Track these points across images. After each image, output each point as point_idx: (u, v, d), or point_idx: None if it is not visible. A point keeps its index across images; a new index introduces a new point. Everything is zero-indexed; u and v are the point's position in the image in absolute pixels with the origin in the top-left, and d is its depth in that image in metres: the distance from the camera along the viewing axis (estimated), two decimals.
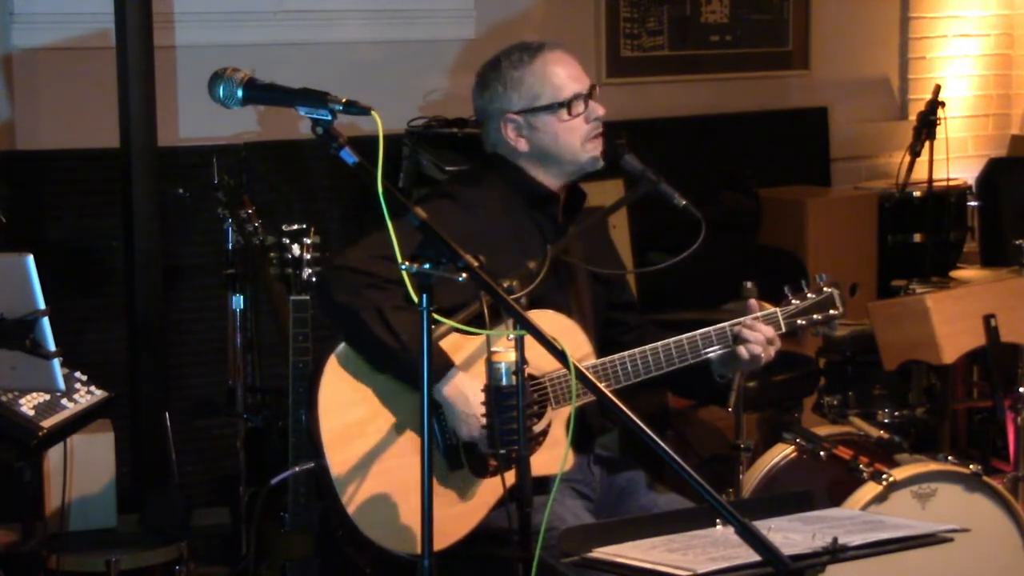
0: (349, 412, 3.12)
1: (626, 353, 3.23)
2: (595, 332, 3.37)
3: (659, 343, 3.25)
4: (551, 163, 3.34)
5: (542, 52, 3.34)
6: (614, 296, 3.51)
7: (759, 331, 3.26)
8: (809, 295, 3.35)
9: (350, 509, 3.08)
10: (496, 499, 3.14)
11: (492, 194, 3.33)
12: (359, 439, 3.11)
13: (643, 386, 3.27)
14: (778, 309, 3.32)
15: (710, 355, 3.27)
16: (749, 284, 3.36)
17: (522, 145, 3.33)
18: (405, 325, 3.08)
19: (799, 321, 3.34)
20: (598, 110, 3.34)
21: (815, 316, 3.35)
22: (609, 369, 3.21)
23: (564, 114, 3.30)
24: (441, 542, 2.89)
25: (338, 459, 3.09)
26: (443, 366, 3.09)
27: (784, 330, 3.32)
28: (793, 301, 3.35)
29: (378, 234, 3.14)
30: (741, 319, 3.28)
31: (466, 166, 4.59)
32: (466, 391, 3.07)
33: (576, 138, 3.32)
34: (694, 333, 3.26)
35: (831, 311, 3.36)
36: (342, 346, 3.16)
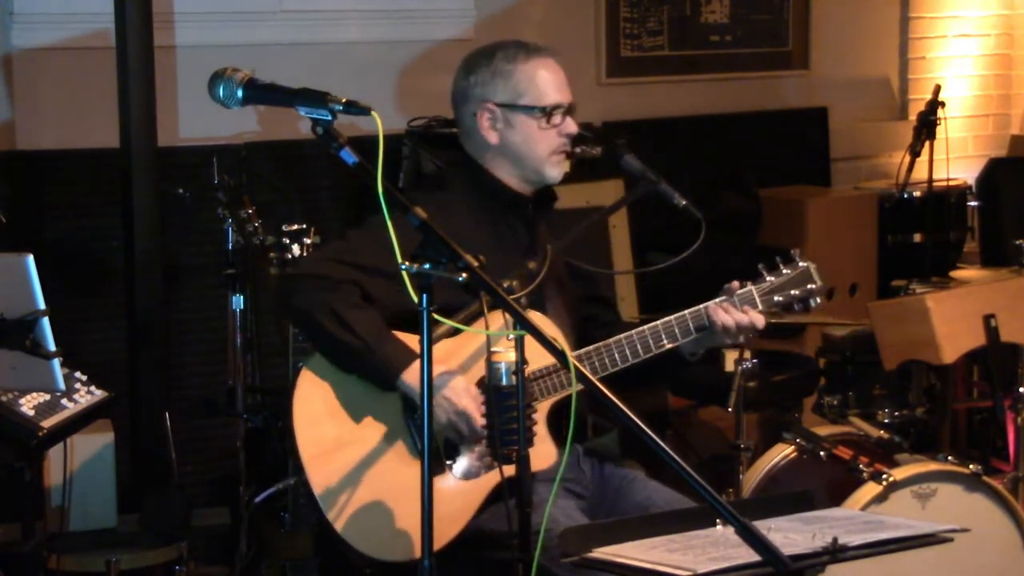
0: (327, 424, 3.12)
1: (602, 344, 3.23)
2: (572, 328, 3.36)
3: (634, 331, 3.24)
4: (515, 163, 3.34)
5: (539, 55, 3.34)
6: (588, 290, 3.50)
7: (732, 316, 3.23)
8: (784, 271, 3.33)
9: (337, 525, 3.08)
10: (483, 500, 3.15)
11: (460, 198, 3.33)
12: (339, 452, 3.10)
13: (628, 386, 3.25)
14: (753, 287, 3.31)
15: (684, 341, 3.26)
16: (736, 284, 3.35)
17: (493, 138, 3.33)
18: (361, 322, 3.10)
19: (776, 298, 3.31)
20: (571, 127, 3.33)
21: (793, 292, 3.31)
22: (595, 358, 3.21)
23: (543, 120, 3.30)
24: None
25: (319, 476, 3.09)
26: (406, 356, 3.09)
27: (761, 307, 3.29)
28: (769, 278, 3.32)
29: (335, 240, 3.17)
30: (715, 301, 3.26)
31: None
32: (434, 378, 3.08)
33: (545, 147, 3.31)
34: (669, 318, 3.25)
35: (809, 285, 3.33)
36: (315, 357, 3.17)
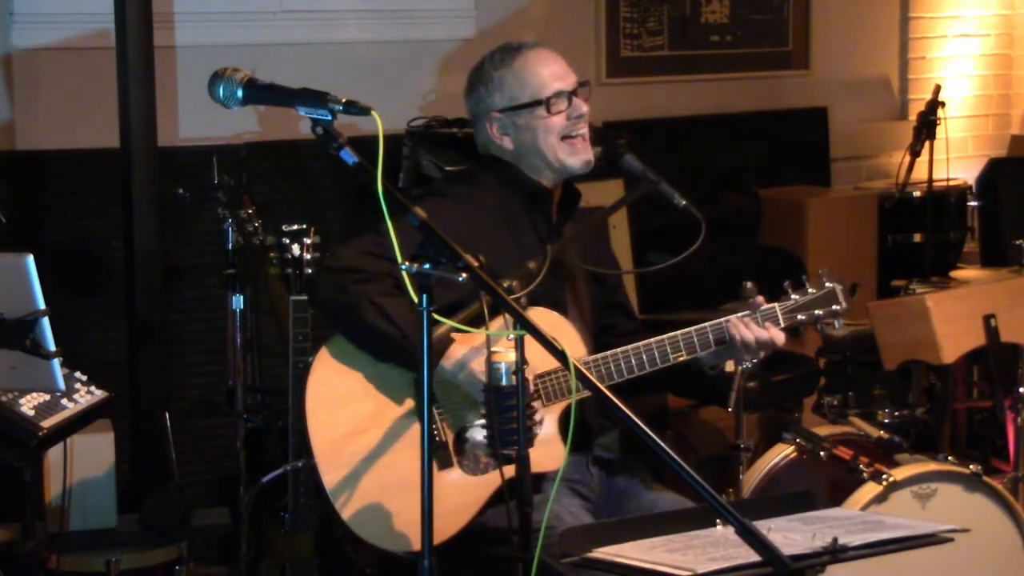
0: (339, 409, 3.13)
1: (619, 350, 3.22)
2: (592, 332, 3.37)
3: (652, 339, 3.22)
4: (536, 161, 3.35)
5: (522, 52, 3.36)
6: (607, 296, 3.51)
7: (752, 331, 3.24)
8: (810, 290, 3.32)
9: (345, 513, 3.08)
10: (489, 495, 3.15)
11: (485, 192, 3.34)
12: (351, 438, 3.11)
13: (637, 387, 3.26)
14: (777, 304, 3.30)
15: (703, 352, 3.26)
16: (749, 284, 3.35)
17: (507, 143, 3.35)
18: (400, 310, 3.11)
19: (799, 316, 3.30)
20: (581, 107, 3.33)
21: (817, 312, 3.31)
22: (602, 365, 3.21)
23: (543, 111, 3.31)
24: (435, 539, 2.89)
25: (329, 459, 3.10)
26: (443, 342, 3.10)
27: (783, 325, 3.28)
28: (793, 296, 3.31)
29: (367, 233, 3.18)
30: (737, 315, 3.26)
31: (465, 166, 4.60)
32: (469, 363, 3.09)
33: (555, 136, 3.32)
34: (689, 330, 3.24)
35: (834, 306, 3.32)
36: (331, 344, 3.18)
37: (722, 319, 3.25)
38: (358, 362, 3.16)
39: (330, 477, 3.09)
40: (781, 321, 3.28)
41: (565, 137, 3.32)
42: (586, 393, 2.99)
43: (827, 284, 3.33)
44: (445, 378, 3.10)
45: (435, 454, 3.12)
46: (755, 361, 3.29)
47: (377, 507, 3.09)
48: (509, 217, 3.33)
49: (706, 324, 3.24)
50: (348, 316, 3.15)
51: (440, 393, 3.12)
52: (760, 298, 3.29)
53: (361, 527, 3.09)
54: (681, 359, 3.24)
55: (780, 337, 3.26)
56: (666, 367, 3.23)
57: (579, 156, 3.33)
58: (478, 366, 3.07)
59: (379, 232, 3.17)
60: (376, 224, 3.14)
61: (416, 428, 3.13)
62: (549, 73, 3.34)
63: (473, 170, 3.48)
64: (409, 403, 3.15)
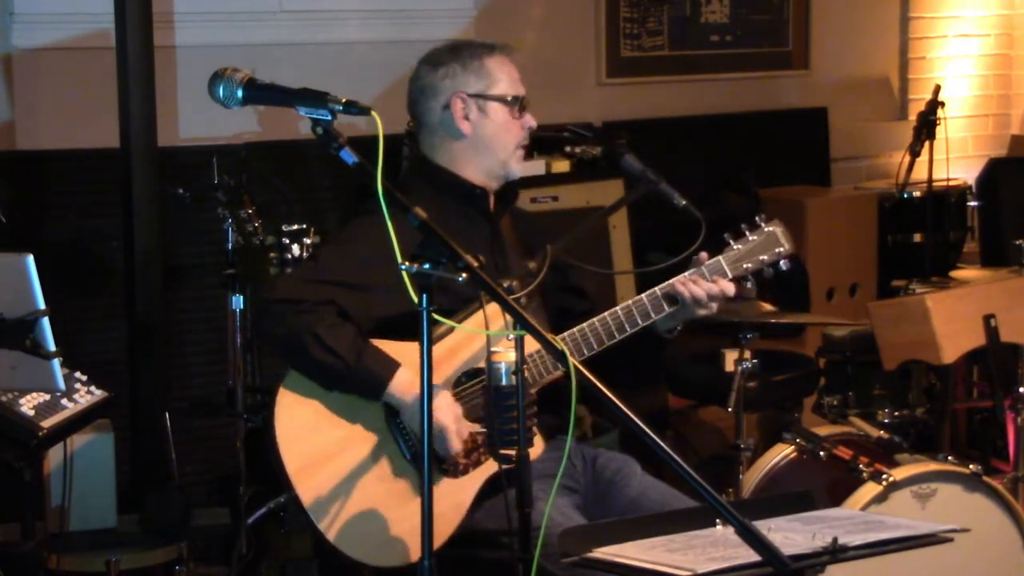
0: (310, 438, 3.13)
1: (575, 328, 3.23)
2: (547, 317, 3.37)
3: (607, 312, 3.24)
4: (483, 154, 3.35)
5: (498, 51, 3.39)
6: (561, 280, 3.50)
7: (700, 286, 3.24)
8: (751, 237, 3.34)
9: (330, 535, 3.09)
10: (475, 494, 3.15)
11: (417, 199, 3.33)
12: (325, 464, 3.11)
13: (628, 383, 3.24)
14: (720, 256, 3.31)
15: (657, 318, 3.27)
16: (704, 254, 3.35)
17: (466, 128, 3.35)
18: (341, 341, 3.10)
19: (745, 265, 3.33)
20: (531, 121, 3.38)
21: (761, 257, 3.34)
22: (569, 342, 3.21)
23: (516, 111, 3.34)
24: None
25: (308, 489, 3.09)
26: (389, 367, 3.11)
27: (731, 275, 3.30)
28: (736, 246, 3.33)
29: (306, 261, 3.18)
30: (684, 274, 3.28)
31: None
32: (417, 387, 3.09)
33: (512, 139, 3.35)
34: (640, 296, 3.26)
35: (777, 249, 3.35)
36: (290, 373, 3.17)
37: (671, 279, 3.26)
38: (319, 390, 3.15)
39: (311, 503, 3.09)
40: (728, 272, 3.31)
41: (518, 146, 3.36)
42: (557, 374, 3.00)
43: (767, 228, 3.35)
44: (393, 404, 3.12)
45: (414, 464, 3.12)
46: (714, 309, 3.29)
47: (362, 526, 3.10)
48: (445, 223, 3.31)
49: (656, 288, 3.27)
50: (293, 351, 3.14)
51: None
52: (703, 254, 3.31)
53: (351, 548, 3.09)
54: (639, 326, 3.25)
55: (730, 288, 3.29)
56: (625, 338, 3.24)
57: (521, 165, 3.39)
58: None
59: (316, 257, 3.18)
60: (321, 243, 3.15)
61: (387, 445, 3.15)
62: (518, 79, 3.39)
63: (400, 182, 3.46)
64: (379, 420, 3.15)
